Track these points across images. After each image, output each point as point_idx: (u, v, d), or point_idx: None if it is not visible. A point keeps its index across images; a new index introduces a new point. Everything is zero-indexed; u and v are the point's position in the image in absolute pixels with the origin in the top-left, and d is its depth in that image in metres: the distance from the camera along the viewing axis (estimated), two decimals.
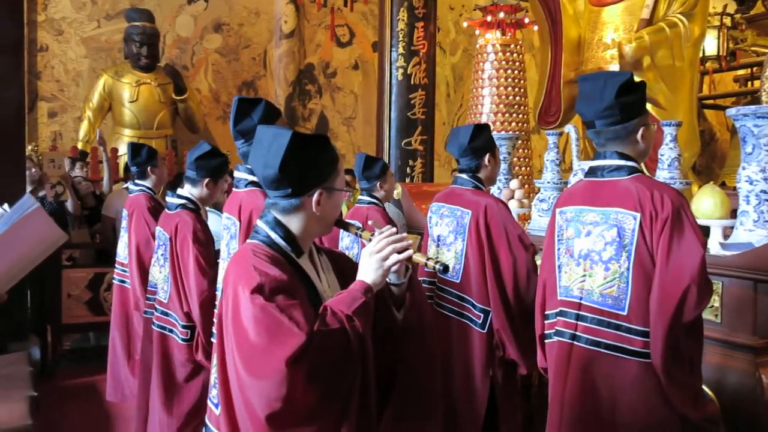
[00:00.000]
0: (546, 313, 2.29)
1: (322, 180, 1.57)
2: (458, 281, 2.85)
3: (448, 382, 2.86)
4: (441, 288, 2.93)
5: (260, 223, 1.61)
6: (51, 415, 4.07)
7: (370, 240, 1.60)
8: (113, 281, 4.21)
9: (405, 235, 1.62)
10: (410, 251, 1.58)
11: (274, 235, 1.57)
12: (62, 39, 8.42)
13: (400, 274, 1.65)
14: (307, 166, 1.54)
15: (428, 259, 1.60)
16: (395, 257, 1.55)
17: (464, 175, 2.94)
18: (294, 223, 1.58)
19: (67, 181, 5.49)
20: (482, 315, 2.79)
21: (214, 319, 2.53)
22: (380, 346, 1.61)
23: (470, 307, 2.82)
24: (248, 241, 1.62)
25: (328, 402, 1.45)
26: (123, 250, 4.05)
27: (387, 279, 1.61)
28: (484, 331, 2.78)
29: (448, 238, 2.91)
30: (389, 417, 1.68)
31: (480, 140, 2.88)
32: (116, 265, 4.13)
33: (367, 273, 1.55)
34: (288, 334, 1.39)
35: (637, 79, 2.12)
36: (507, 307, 2.73)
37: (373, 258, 1.55)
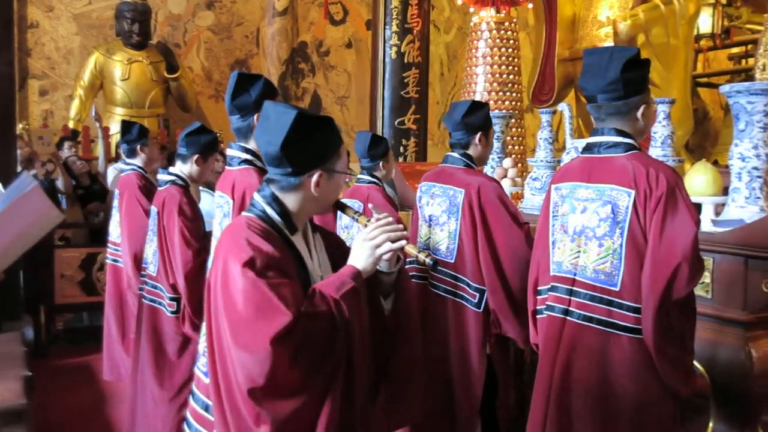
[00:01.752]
0: (539, 288, 2.30)
1: (323, 162, 1.57)
2: (452, 261, 2.85)
3: (445, 362, 2.87)
4: None
5: (257, 197, 1.61)
6: (45, 395, 4.09)
7: (365, 225, 1.60)
8: (106, 261, 4.21)
9: (401, 226, 1.61)
10: (403, 242, 1.58)
11: (270, 210, 1.57)
12: (53, 15, 8.31)
13: (391, 263, 1.65)
14: (309, 147, 1.54)
15: (419, 252, 1.60)
16: (388, 246, 1.56)
17: (455, 153, 2.92)
18: (291, 201, 1.58)
19: (57, 159, 5.45)
20: (477, 294, 2.79)
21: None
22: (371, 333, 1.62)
23: (465, 286, 2.82)
24: (243, 213, 1.62)
25: (311, 382, 1.46)
26: (115, 230, 4.04)
27: (377, 266, 1.62)
28: (480, 310, 2.79)
29: (440, 218, 2.90)
30: (380, 401, 1.70)
31: (475, 117, 2.86)
32: (108, 245, 4.13)
33: (359, 259, 1.56)
34: (276, 312, 1.40)
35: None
36: (503, 285, 2.73)
37: (366, 244, 1.56)
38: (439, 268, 2.88)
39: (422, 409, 1.83)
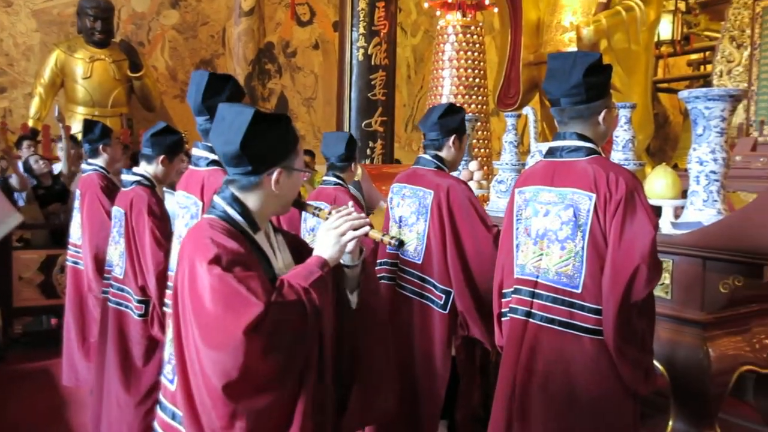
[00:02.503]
0: (503, 291, 2.32)
1: (281, 159, 1.58)
2: (420, 262, 2.86)
3: (409, 362, 2.88)
4: (403, 269, 2.93)
5: (217, 199, 1.61)
6: (2, 400, 3.98)
7: (327, 219, 1.63)
8: (66, 263, 4.12)
9: (363, 214, 1.66)
10: (366, 228, 1.61)
11: (231, 211, 1.58)
12: (11, 11, 8.11)
13: (354, 255, 1.68)
14: (268, 144, 1.55)
15: (384, 235, 1.65)
16: (352, 233, 1.59)
17: (427, 155, 2.93)
18: (252, 201, 1.60)
19: (9, 155, 5.32)
20: (444, 296, 2.80)
21: (169, 291, 2.52)
22: (336, 326, 1.63)
23: (432, 288, 2.83)
24: (204, 216, 1.62)
25: (285, 372, 1.47)
26: (76, 231, 3.95)
27: (341, 261, 1.64)
28: (446, 312, 2.80)
29: (410, 218, 2.92)
30: (350, 395, 1.71)
31: (451, 119, 2.88)
32: (69, 247, 4.04)
33: (324, 248, 1.58)
34: (246, 304, 1.40)
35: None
36: (471, 287, 2.75)
37: (330, 233, 1.59)
38: (407, 269, 2.89)
39: (394, 403, 1.84)
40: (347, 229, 1.59)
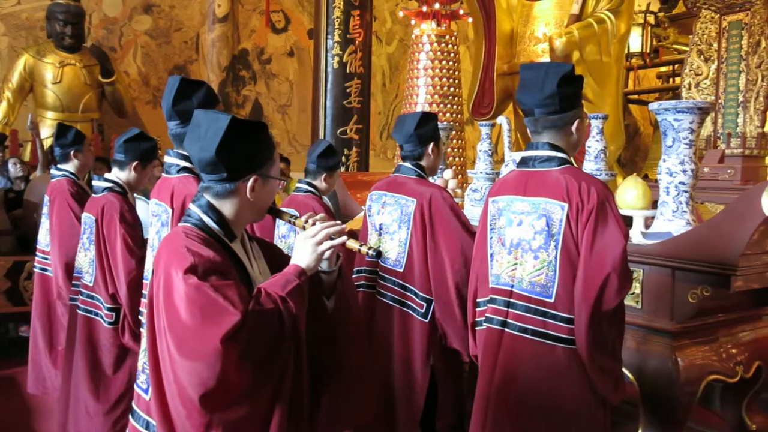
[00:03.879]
0: (477, 300, 2.33)
1: (257, 167, 1.58)
2: (401, 270, 2.84)
3: (388, 370, 2.86)
4: (383, 277, 2.92)
5: (193, 207, 1.60)
6: None
7: (303, 227, 1.63)
8: (34, 269, 4.04)
9: (339, 222, 1.65)
10: (344, 237, 1.62)
11: (206, 219, 1.57)
12: None
13: (331, 262, 1.68)
14: (244, 151, 1.55)
15: (361, 245, 1.64)
16: (329, 243, 1.59)
17: (407, 164, 2.93)
18: (227, 208, 1.59)
19: None
20: (425, 304, 2.79)
21: (143, 300, 2.48)
22: (312, 333, 1.62)
23: (413, 296, 2.82)
24: (180, 224, 1.61)
25: (262, 382, 1.46)
26: (44, 237, 3.88)
27: (319, 267, 1.63)
28: (426, 320, 2.79)
29: (391, 226, 2.90)
30: (325, 402, 1.69)
31: (426, 128, 2.88)
32: (37, 253, 3.96)
33: (302, 257, 1.58)
34: (223, 313, 1.39)
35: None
36: (450, 296, 2.73)
37: (308, 242, 1.58)
38: (388, 277, 2.88)
39: (372, 408, 1.84)
40: (324, 238, 1.59)
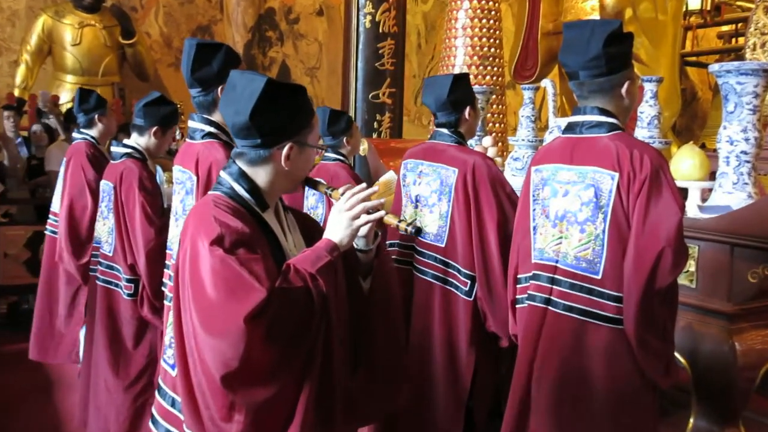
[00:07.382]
0: (518, 276, 2.31)
1: (293, 133, 1.56)
2: (443, 245, 2.78)
3: (426, 351, 2.82)
4: (421, 252, 2.86)
5: (224, 174, 1.60)
6: None
7: (339, 199, 1.60)
8: (45, 232, 4.10)
9: (376, 190, 1.61)
10: (382, 212, 1.58)
11: (237, 187, 1.56)
12: None
13: (369, 239, 1.65)
14: (280, 116, 1.53)
15: (400, 220, 1.60)
16: (366, 217, 1.55)
17: (444, 130, 2.87)
18: (260, 177, 1.58)
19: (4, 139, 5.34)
20: (469, 281, 2.73)
21: (169, 272, 2.51)
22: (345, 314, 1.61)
23: (456, 273, 2.76)
24: (209, 192, 1.61)
25: (287, 363, 1.45)
26: (58, 200, 3.95)
27: (355, 244, 1.61)
28: (471, 299, 2.73)
29: (430, 198, 2.84)
30: (359, 382, 1.69)
31: (459, 92, 2.81)
32: (50, 215, 4.03)
33: (335, 231, 1.55)
34: (248, 289, 1.39)
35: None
36: (495, 274, 2.67)
37: (343, 216, 1.55)
38: (428, 252, 2.85)
39: (407, 392, 1.83)
40: (360, 211, 1.55)
